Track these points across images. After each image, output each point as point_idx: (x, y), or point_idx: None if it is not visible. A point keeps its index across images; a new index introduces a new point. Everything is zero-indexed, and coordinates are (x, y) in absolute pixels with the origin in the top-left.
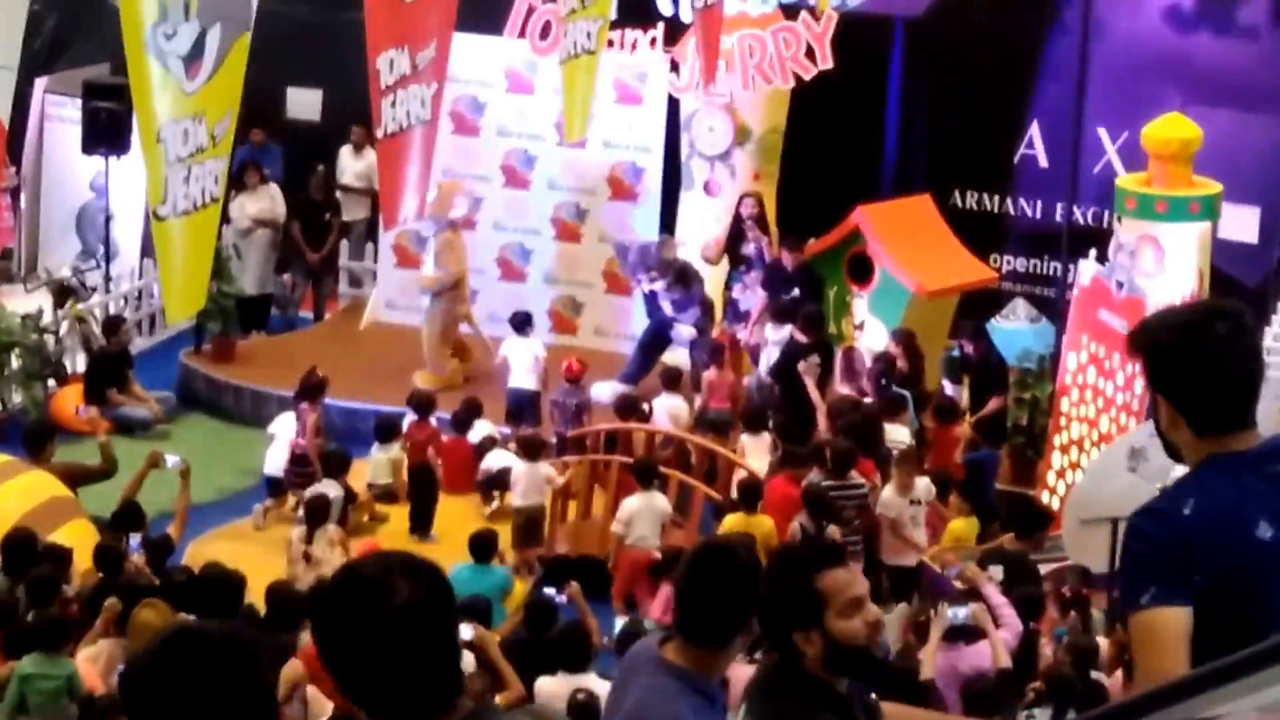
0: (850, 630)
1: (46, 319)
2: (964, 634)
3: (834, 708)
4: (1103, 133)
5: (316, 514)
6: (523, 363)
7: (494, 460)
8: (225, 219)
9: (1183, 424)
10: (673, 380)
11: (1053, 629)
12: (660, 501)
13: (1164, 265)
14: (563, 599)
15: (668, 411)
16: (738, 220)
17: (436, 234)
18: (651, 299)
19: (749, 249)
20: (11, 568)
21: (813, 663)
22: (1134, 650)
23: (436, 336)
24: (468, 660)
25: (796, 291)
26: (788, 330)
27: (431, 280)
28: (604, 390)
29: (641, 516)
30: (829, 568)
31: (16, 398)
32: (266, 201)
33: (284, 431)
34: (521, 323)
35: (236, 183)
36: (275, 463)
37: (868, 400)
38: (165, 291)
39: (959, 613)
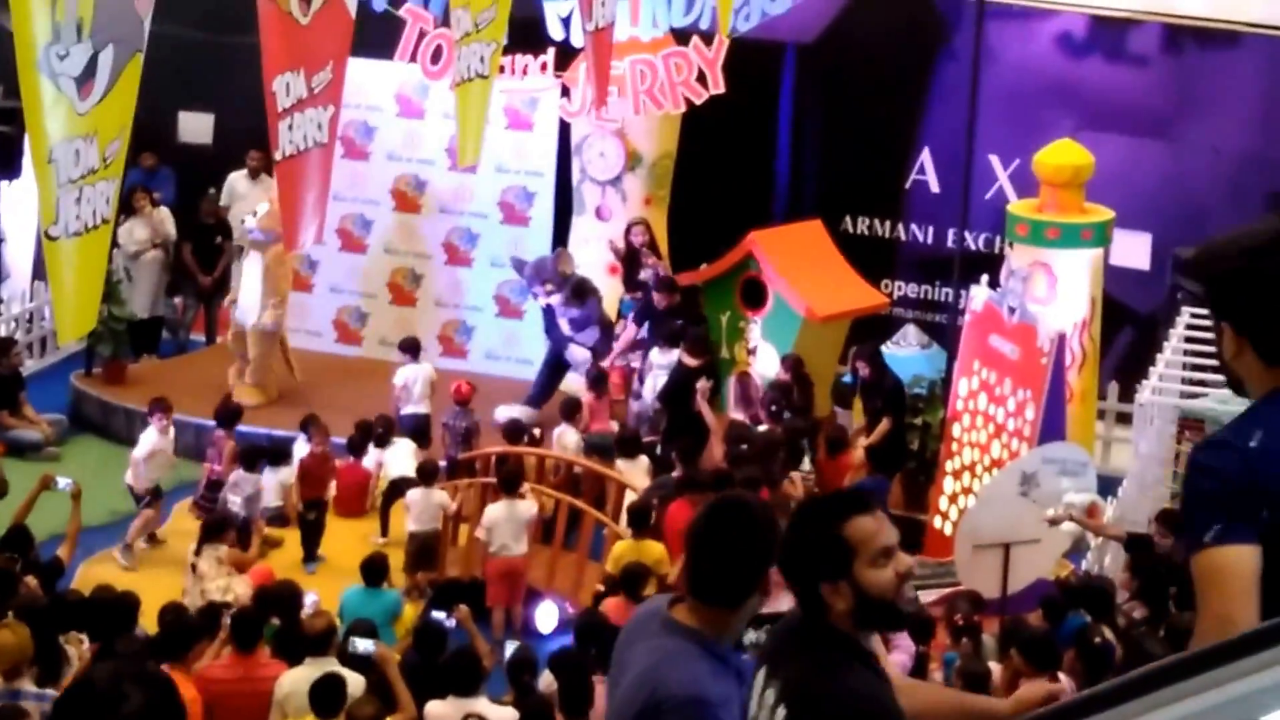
0: (881, 581)
1: None
2: None
3: (864, 662)
4: (994, 159)
5: (211, 529)
6: (418, 388)
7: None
8: (115, 243)
9: (1249, 351)
10: (571, 410)
11: (943, 654)
12: (523, 509)
13: (1056, 291)
14: (452, 623)
15: (561, 442)
16: (630, 248)
17: (265, 246)
18: (549, 315)
19: (645, 274)
20: None
21: (840, 617)
22: (1199, 593)
23: (269, 350)
24: (357, 682)
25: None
26: (675, 354)
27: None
28: (507, 413)
29: (503, 524)
30: (857, 515)
31: None
32: (156, 225)
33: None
34: (413, 347)
35: (126, 207)
36: (137, 475)
37: (762, 427)
38: (57, 312)
39: None
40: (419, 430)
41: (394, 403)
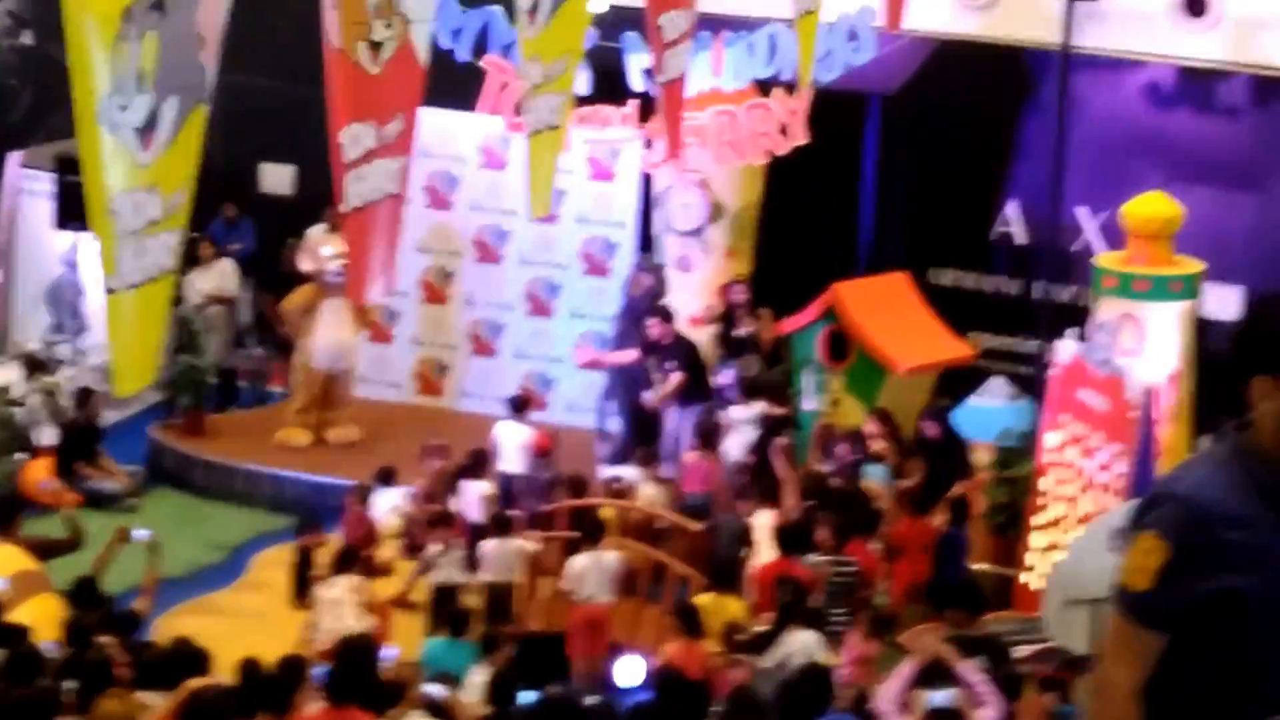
0: None
1: (16, 392)
2: (943, 717)
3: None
4: (1082, 210)
5: (345, 559)
6: (513, 446)
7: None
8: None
9: None
10: (648, 461)
11: (1036, 711)
12: (609, 559)
13: (1145, 344)
14: None
15: (642, 495)
16: (728, 306)
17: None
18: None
19: (740, 332)
20: None
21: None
22: None
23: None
24: None
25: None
26: (758, 407)
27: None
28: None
29: (589, 574)
30: None
31: None
32: (218, 277)
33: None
34: (519, 406)
35: (190, 259)
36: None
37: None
38: (115, 365)
39: (937, 696)
40: (509, 491)
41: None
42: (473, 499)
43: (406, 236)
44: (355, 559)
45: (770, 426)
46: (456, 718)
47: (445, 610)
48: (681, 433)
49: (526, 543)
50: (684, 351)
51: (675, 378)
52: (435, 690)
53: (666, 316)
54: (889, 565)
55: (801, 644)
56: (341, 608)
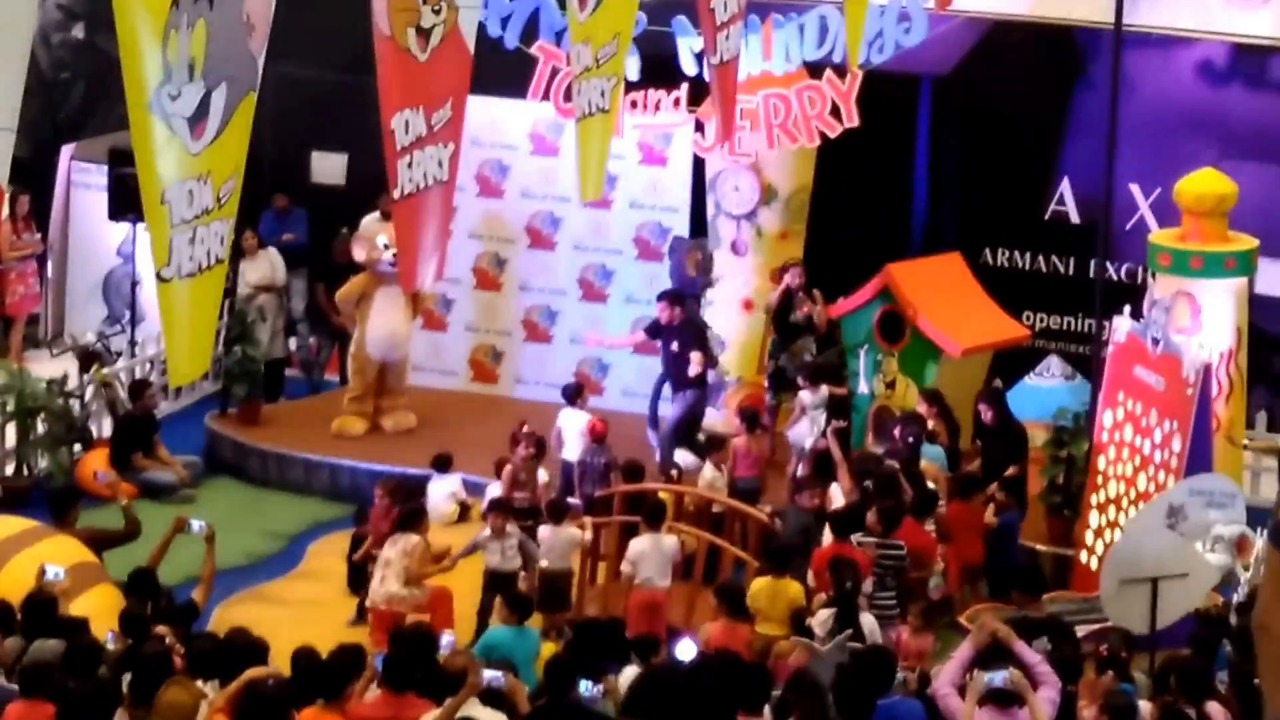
0: None
1: (72, 384)
2: (1002, 698)
3: None
4: (1135, 189)
5: (408, 520)
6: (575, 433)
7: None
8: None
9: None
10: (714, 447)
11: (1093, 691)
12: (668, 543)
13: (1200, 321)
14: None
15: (703, 479)
16: (786, 289)
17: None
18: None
19: (797, 316)
20: (32, 630)
21: None
22: None
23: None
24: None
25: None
26: (825, 391)
27: None
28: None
29: (649, 557)
30: None
31: (42, 463)
32: (266, 268)
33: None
34: (574, 394)
35: (235, 250)
36: None
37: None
38: (170, 354)
39: (996, 677)
40: (570, 480)
41: (555, 447)
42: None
43: (458, 224)
44: (419, 518)
45: (833, 408)
46: (517, 704)
47: (494, 595)
48: (671, 415)
49: (579, 530)
50: (693, 333)
51: (696, 357)
52: (494, 677)
53: (675, 299)
54: (944, 548)
55: (867, 628)
56: (389, 569)
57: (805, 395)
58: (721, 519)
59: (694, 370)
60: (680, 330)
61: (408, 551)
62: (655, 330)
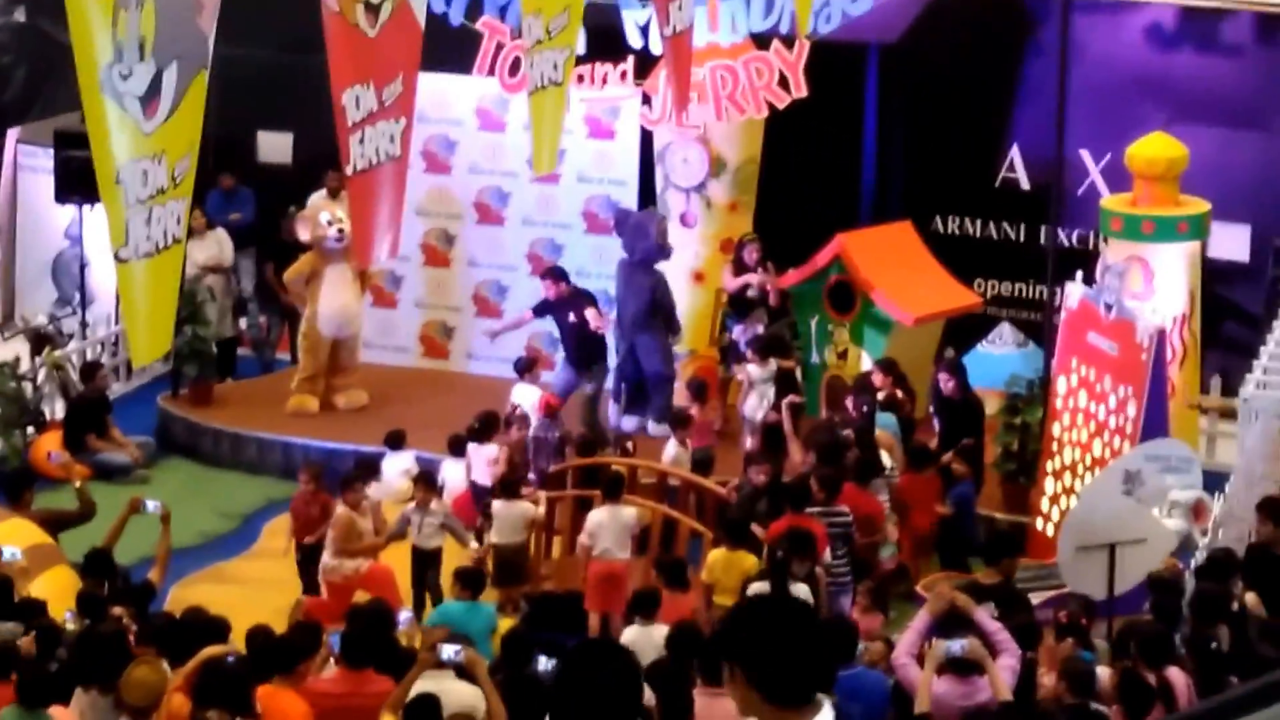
0: None
1: (24, 367)
2: (961, 666)
3: None
4: (1085, 154)
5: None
6: (528, 408)
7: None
8: None
9: None
10: (681, 423)
11: (1053, 658)
12: (626, 514)
13: (1154, 285)
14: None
15: (670, 456)
16: (739, 263)
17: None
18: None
19: (753, 292)
20: None
21: None
22: None
23: None
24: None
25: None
26: (773, 365)
27: None
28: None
29: (606, 528)
30: None
31: None
32: (214, 248)
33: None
34: (526, 368)
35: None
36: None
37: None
38: (130, 335)
39: (954, 645)
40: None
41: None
42: (481, 463)
43: (406, 201)
44: (351, 485)
45: (781, 382)
46: (478, 677)
47: (421, 572)
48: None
49: (532, 505)
50: (585, 298)
51: (591, 312)
52: (451, 650)
53: (560, 275)
54: (897, 518)
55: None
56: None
57: (753, 369)
58: (676, 493)
59: (594, 324)
60: (571, 302)
61: (333, 524)
62: (543, 309)
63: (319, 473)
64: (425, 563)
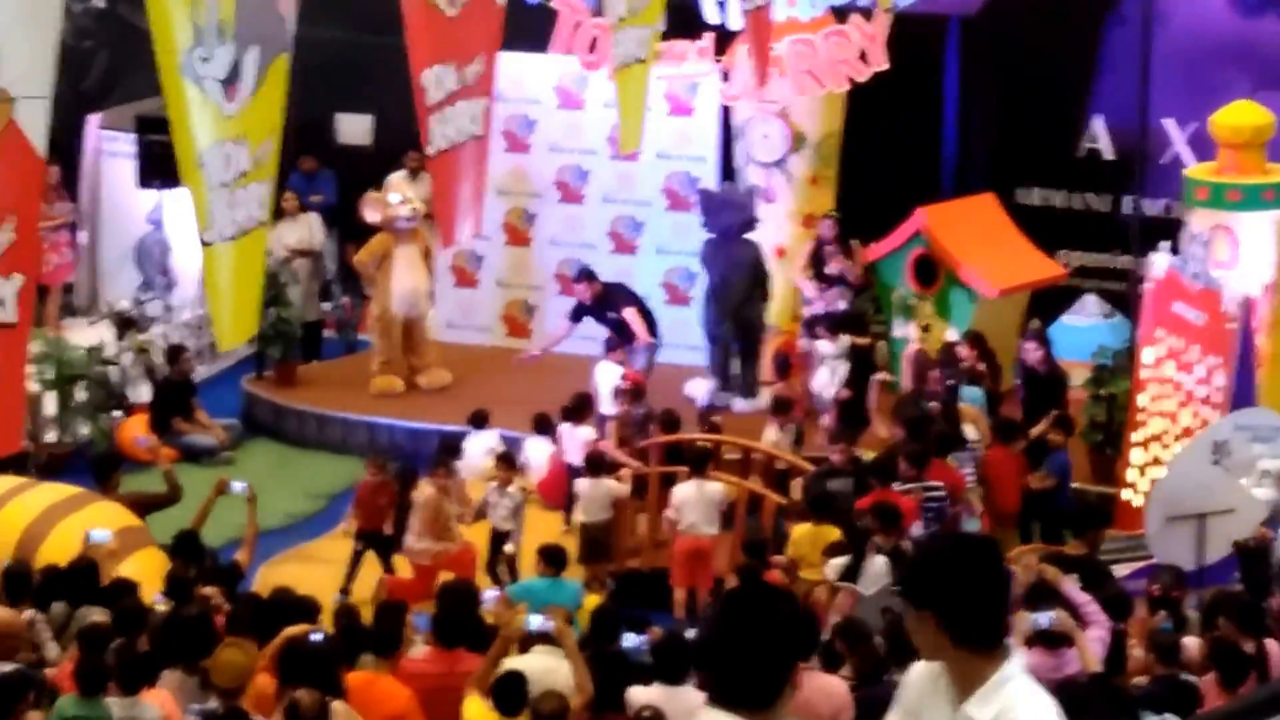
0: None
1: (109, 351)
2: (1050, 639)
3: None
4: (1169, 123)
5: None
6: (609, 388)
7: None
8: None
9: None
10: (783, 408)
11: (1143, 630)
12: (712, 489)
13: (1240, 254)
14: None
15: (769, 439)
16: (818, 242)
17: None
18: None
19: (830, 270)
20: (78, 596)
21: None
22: None
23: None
24: (550, 667)
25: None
26: (846, 341)
27: None
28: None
29: (692, 503)
30: None
31: (83, 430)
32: (304, 230)
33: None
34: (610, 345)
35: (274, 212)
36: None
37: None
38: (215, 319)
39: (1042, 618)
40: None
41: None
42: (575, 444)
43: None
44: (453, 455)
45: (856, 359)
46: (565, 647)
47: (497, 553)
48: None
49: (617, 482)
50: (621, 294)
51: (630, 313)
52: (539, 620)
53: (588, 276)
54: (983, 491)
55: (877, 570)
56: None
57: (823, 345)
58: (765, 469)
59: (639, 330)
60: (606, 300)
61: (422, 506)
62: (579, 313)
63: (385, 462)
64: (501, 544)
